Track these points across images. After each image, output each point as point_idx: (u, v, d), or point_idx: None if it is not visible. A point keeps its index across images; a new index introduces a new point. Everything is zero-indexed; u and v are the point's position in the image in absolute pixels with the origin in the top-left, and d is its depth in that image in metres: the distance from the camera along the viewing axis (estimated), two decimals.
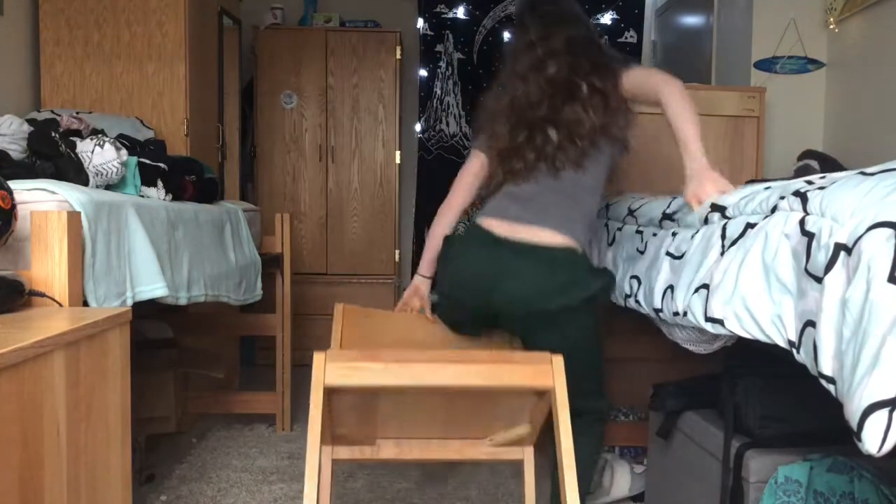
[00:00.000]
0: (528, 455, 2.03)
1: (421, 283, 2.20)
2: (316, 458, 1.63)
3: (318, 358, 1.63)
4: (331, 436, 2.02)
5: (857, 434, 0.91)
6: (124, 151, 2.14)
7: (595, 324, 2.06)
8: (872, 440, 0.89)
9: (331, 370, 1.67)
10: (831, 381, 1.02)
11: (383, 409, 1.94)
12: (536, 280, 1.88)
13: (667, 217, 1.84)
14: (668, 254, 1.70)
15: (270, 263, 3.12)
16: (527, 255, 1.90)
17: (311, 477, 1.60)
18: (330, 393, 1.77)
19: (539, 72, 2.02)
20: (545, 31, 2.05)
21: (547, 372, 1.66)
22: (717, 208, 1.53)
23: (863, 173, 1.13)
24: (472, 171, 2.17)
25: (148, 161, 2.27)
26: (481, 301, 1.95)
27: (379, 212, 4.62)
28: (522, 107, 2.03)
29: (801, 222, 1.17)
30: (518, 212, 1.94)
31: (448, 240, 2.09)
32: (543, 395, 1.76)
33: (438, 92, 4.60)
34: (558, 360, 1.67)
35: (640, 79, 2.01)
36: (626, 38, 4.62)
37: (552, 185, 1.96)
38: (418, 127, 4.79)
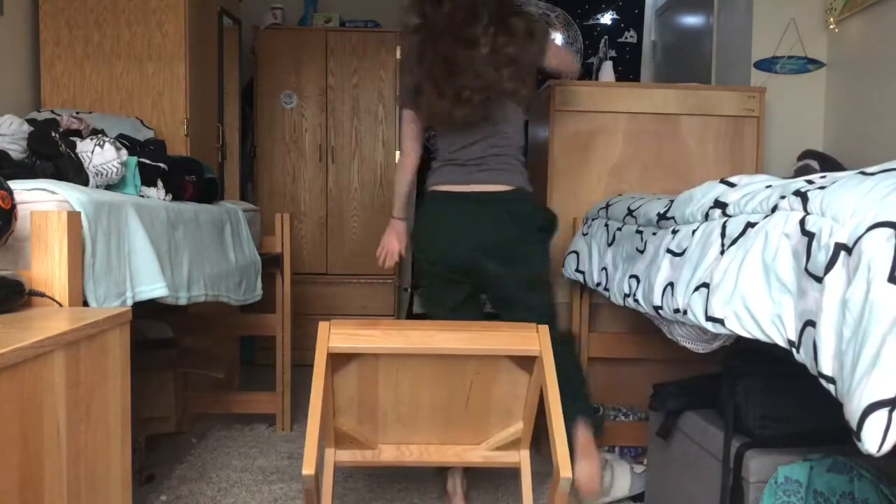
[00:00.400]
0: (524, 458, 2.10)
1: (397, 223, 2.44)
2: (317, 426, 1.71)
3: (322, 326, 1.81)
4: (333, 437, 2.05)
5: (857, 434, 0.91)
6: (124, 151, 2.15)
7: (548, 254, 2.36)
8: (872, 440, 0.89)
9: (334, 336, 1.80)
10: (831, 380, 1.02)
11: (383, 405, 2.00)
12: (499, 218, 2.19)
13: (662, 217, 1.84)
14: (668, 251, 1.70)
15: (270, 263, 3.13)
16: (487, 201, 2.21)
17: (310, 447, 1.67)
18: (333, 368, 1.88)
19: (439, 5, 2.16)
20: None
21: (534, 339, 1.82)
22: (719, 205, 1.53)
23: (863, 173, 1.13)
24: (411, 132, 2.34)
25: (148, 161, 2.27)
26: (460, 249, 2.21)
27: (379, 212, 4.61)
28: (434, 36, 2.15)
29: (802, 222, 1.17)
30: (467, 175, 2.23)
31: (418, 223, 2.33)
32: (533, 377, 1.88)
33: None
34: (544, 329, 1.81)
35: (563, 59, 2.41)
36: (626, 38, 4.62)
37: (488, 142, 2.22)
38: None
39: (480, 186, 2.21)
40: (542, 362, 1.82)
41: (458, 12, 2.11)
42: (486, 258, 2.20)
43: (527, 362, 1.97)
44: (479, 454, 2.09)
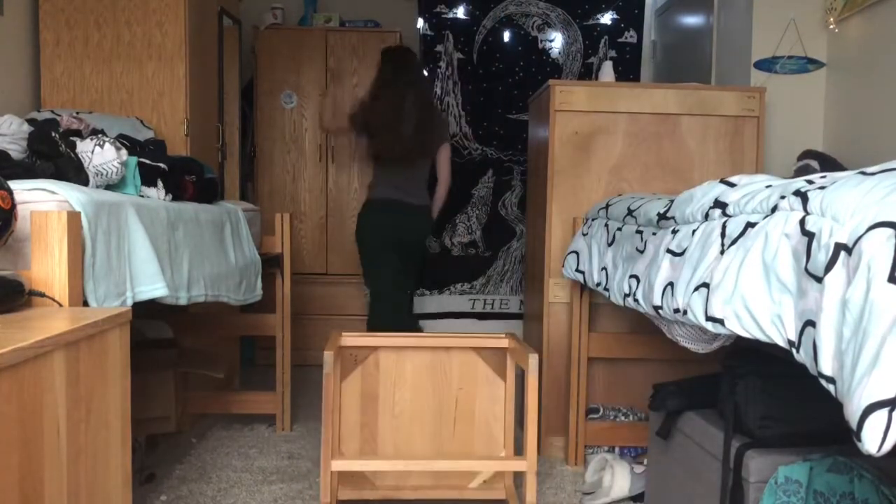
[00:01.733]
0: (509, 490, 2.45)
1: None
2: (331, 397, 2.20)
3: (333, 336, 2.41)
4: (338, 476, 2.39)
5: (857, 434, 0.91)
6: (124, 151, 2.14)
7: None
8: (872, 440, 0.89)
9: (344, 338, 2.44)
10: (831, 380, 1.02)
11: (382, 426, 2.44)
12: (413, 223, 3.64)
13: (662, 217, 1.84)
14: (668, 251, 1.70)
15: (270, 263, 3.12)
16: (407, 210, 3.60)
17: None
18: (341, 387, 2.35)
19: (400, 99, 3.57)
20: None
21: (503, 340, 2.48)
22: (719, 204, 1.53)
23: (863, 173, 1.13)
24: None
25: (148, 161, 2.27)
26: (385, 236, 3.58)
27: None
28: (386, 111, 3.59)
29: (802, 222, 1.17)
30: (398, 192, 3.58)
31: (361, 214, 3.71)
32: (507, 379, 2.47)
33: (438, 92, 4.59)
34: (510, 336, 2.48)
35: (442, 159, 3.74)
36: (626, 38, 4.62)
37: (410, 173, 3.62)
38: None
39: (404, 199, 3.57)
40: (510, 352, 2.44)
41: (411, 108, 3.58)
42: (396, 249, 3.60)
43: (501, 369, 2.48)
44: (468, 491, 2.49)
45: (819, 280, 1.07)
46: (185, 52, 3.13)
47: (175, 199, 2.33)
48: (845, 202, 1.08)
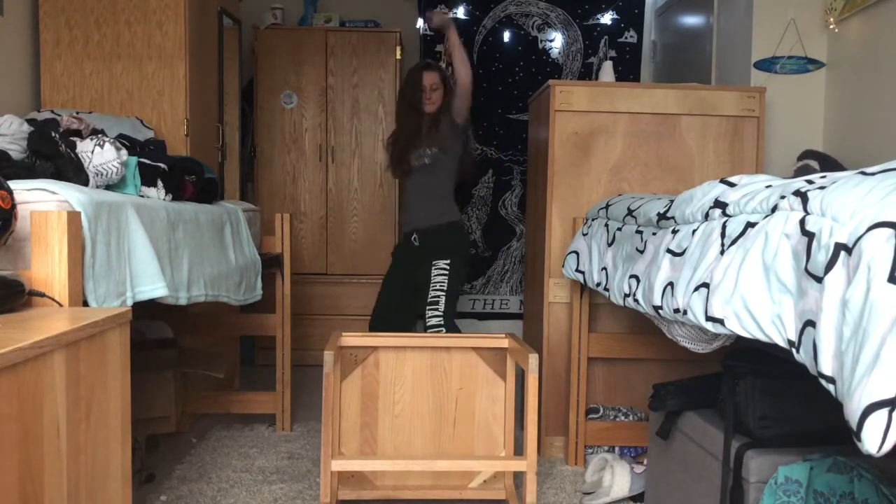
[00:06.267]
0: (509, 489, 2.46)
1: None
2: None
3: (334, 336, 2.40)
4: (337, 478, 2.40)
5: (857, 434, 0.91)
6: (124, 151, 2.14)
7: None
8: (872, 440, 0.89)
9: (344, 338, 2.44)
10: (831, 380, 1.02)
11: (382, 427, 2.47)
12: None
13: (662, 217, 1.84)
14: (668, 251, 1.70)
15: (270, 263, 3.12)
16: None
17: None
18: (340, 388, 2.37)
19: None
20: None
21: (503, 340, 2.49)
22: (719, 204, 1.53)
23: (863, 173, 1.13)
24: None
25: (148, 161, 2.27)
26: None
27: (379, 212, 4.61)
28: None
29: (802, 222, 1.17)
30: None
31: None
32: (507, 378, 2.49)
33: None
34: (510, 336, 2.47)
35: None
36: (626, 38, 4.62)
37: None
38: None
39: None
40: (510, 352, 2.41)
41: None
42: None
43: (501, 369, 2.49)
44: (468, 491, 2.49)
45: (819, 280, 1.07)
46: (185, 52, 3.13)
47: (175, 199, 2.33)
48: (845, 202, 1.08)
